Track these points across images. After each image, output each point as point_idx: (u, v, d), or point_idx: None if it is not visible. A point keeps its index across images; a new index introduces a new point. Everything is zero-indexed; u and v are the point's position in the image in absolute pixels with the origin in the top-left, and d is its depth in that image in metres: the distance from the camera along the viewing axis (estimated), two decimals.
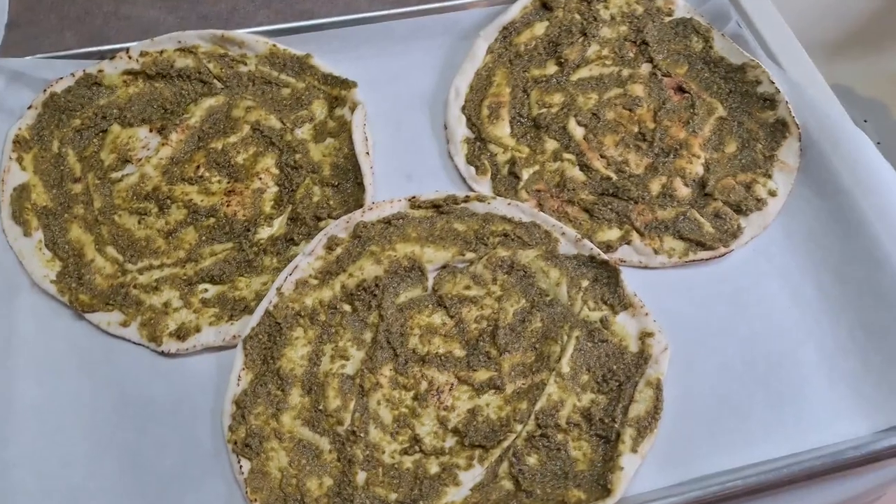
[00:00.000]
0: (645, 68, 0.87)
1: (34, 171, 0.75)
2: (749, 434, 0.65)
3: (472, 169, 0.79)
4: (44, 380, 0.64)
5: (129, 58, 0.81)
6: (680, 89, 0.85)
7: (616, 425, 0.63)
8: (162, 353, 0.67)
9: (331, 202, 0.76)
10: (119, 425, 0.63)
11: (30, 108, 0.78)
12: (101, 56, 0.82)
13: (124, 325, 0.68)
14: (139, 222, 0.74)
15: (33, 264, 0.70)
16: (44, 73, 0.80)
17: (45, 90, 0.79)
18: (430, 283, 0.71)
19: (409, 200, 0.74)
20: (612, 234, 0.76)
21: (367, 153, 0.78)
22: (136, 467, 0.61)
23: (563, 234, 0.73)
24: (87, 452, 0.61)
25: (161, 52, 0.82)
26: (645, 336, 0.67)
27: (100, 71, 0.81)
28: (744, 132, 0.81)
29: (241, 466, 0.61)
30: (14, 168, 0.74)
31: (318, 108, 0.82)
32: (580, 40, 0.88)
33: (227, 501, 0.60)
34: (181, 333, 0.67)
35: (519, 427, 0.63)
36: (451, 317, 0.69)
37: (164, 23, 0.91)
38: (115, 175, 0.76)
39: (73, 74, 0.80)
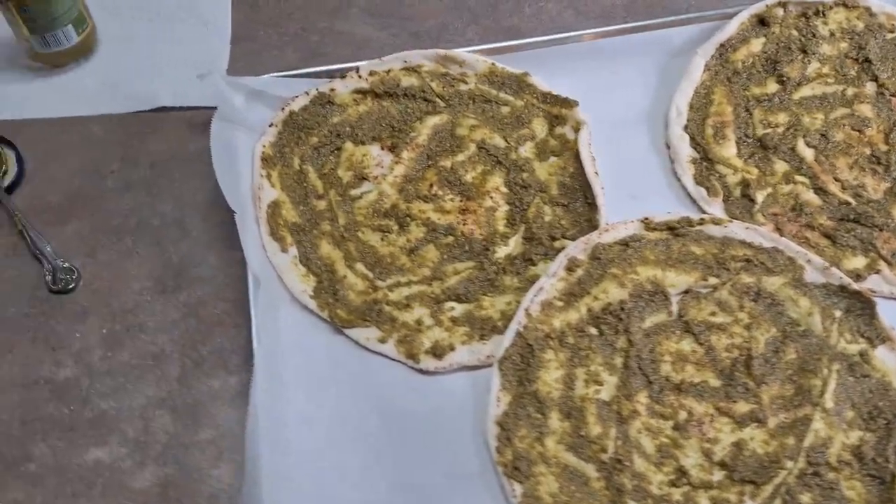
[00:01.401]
0: (870, 87, 0.85)
1: (281, 188, 0.78)
2: None
3: (703, 190, 0.78)
4: (311, 392, 0.67)
5: (359, 77, 0.84)
6: None
7: (890, 466, 0.62)
8: (420, 371, 0.69)
9: (562, 222, 0.77)
10: (384, 440, 0.65)
11: (271, 125, 0.81)
12: (330, 74, 0.84)
13: (382, 341, 0.70)
14: (382, 239, 0.76)
15: (291, 279, 0.72)
16: (279, 91, 0.83)
17: (283, 108, 0.82)
18: (674, 308, 0.71)
19: (643, 222, 0.74)
20: (859, 262, 0.74)
21: (597, 173, 0.78)
22: (405, 483, 0.63)
23: (809, 261, 0.72)
24: (357, 466, 0.64)
25: (388, 70, 0.84)
26: None
27: (332, 90, 0.83)
28: None
29: (513, 490, 0.62)
30: (265, 185, 0.77)
31: (539, 127, 0.83)
32: (800, 57, 0.86)
33: None
34: (437, 351, 0.69)
35: (789, 464, 0.63)
36: (701, 344, 0.69)
37: (377, 40, 0.93)
38: (354, 192, 0.79)
39: (307, 93, 0.83)
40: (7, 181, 0.80)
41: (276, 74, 0.84)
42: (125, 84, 0.88)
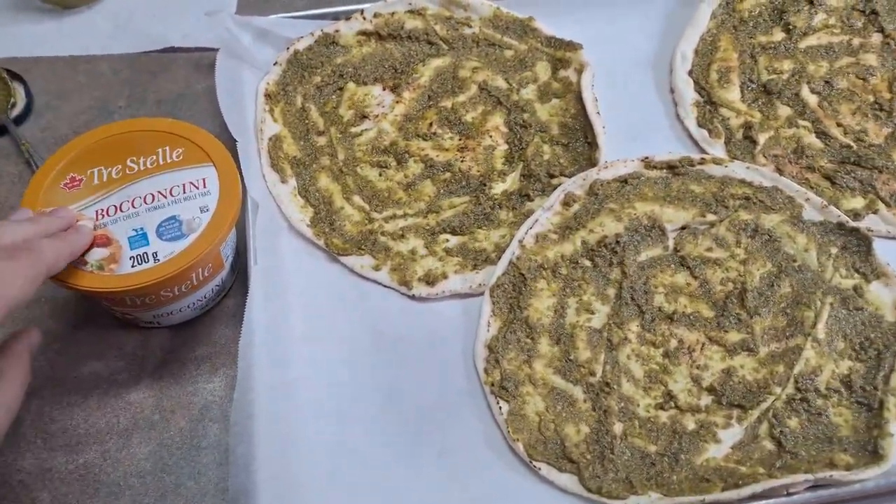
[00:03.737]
0: (876, 38, 0.84)
1: (283, 124, 0.78)
2: None
3: (705, 132, 0.78)
4: (307, 314, 0.68)
5: (364, 19, 0.84)
6: None
7: (878, 393, 0.61)
8: (412, 297, 0.69)
9: (561, 160, 0.77)
10: (376, 359, 0.66)
11: (275, 64, 0.82)
12: (336, 17, 0.85)
13: (376, 268, 0.70)
14: (380, 174, 0.77)
15: (290, 209, 0.73)
16: (285, 32, 0.84)
17: (288, 48, 0.83)
18: (670, 243, 0.71)
19: (643, 161, 0.74)
20: (857, 202, 0.73)
21: (598, 113, 0.78)
22: (395, 399, 0.64)
23: (808, 199, 0.71)
24: (350, 381, 0.64)
25: (392, 13, 0.85)
26: None
27: (336, 31, 0.84)
28: None
29: (500, 408, 0.62)
30: (268, 119, 0.78)
31: (542, 70, 0.83)
32: (806, 8, 0.86)
33: (486, 438, 0.62)
34: (429, 279, 0.69)
35: (778, 390, 0.62)
36: (696, 277, 0.69)
37: None
38: (354, 130, 0.79)
39: (312, 34, 0.84)
40: (15, 113, 0.82)
41: (282, 15, 0.85)
42: (135, 25, 0.90)
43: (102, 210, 0.62)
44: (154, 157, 0.65)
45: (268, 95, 0.79)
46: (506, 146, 0.78)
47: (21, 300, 0.48)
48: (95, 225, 0.61)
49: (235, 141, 0.73)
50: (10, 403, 0.49)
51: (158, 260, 0.60)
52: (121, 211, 0.62)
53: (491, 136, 0.79)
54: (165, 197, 0.63)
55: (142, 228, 0.61)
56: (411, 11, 0.85)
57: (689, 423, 0.62)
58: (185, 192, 0.63)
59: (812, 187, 0.74)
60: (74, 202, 0.62)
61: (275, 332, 0.65)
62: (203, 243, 0.61)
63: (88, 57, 0.87)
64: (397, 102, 0.81)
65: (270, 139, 0.77)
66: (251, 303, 0.64)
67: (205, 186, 0.63)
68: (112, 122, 0.81)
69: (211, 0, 0.92)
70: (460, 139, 0.79)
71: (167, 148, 0.65)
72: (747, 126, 0.78)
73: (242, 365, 0.61)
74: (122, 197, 0.63)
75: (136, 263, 0.59)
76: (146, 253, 0.60)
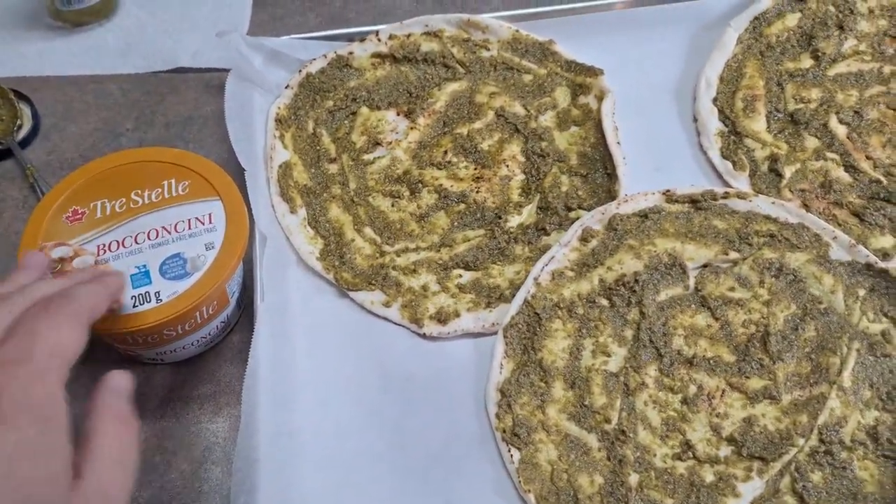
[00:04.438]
0: None
1: (294, 150, 0.77)
2: None
3: (729, 164, 0.75)
4: (314, 352, 0.66)
5: (379, 40, 0.82)
6: None
7: None
8: (423, 336, 0.67)
9: (580, 192, 0.74)
10: (384, 401, 0.64)
11: (287, 87, 0.80)
12: (350, 38, 0.83)
13: (386, 305, 0.68)
14: (392, 205, 0.75)
15: (299, 241, 0.71)
16: (297, 53, 0.82)
17: (300, 71, 0.81)
18: (691, 281, 0.68)
19: (664, 194, 0.72)
20: (887, 241, 0.70)
21: (618, 143, 0.75)
22: (402, 443, 0.62)
23: (835, 238, 0.68)
24: (357, 425, 0.63)
25: (408, 35, 0.83)
26: None
27: (350, 53, 0.82)
28: None
29: (511, 455, 0.60)
30: (278, 146, 0.76)
31: (561, 96, 0.81)
32: (836, 34, 0.83)
33: (496, 486, 0.60)
34: (441, 317, 0.67)
35: (801, 441, 0.60)
36: (717, 319, 0.66)
37: (400, 6, 0.91)
38: (366, 157, 0.77)
39: (325, 56, 0.82)
40: (21, 135, 0.81)
41: (295, 36, 0.83)
42: (145, 44, 0.88)
43: (104, 245, 0.60)
44: (159, 190, 0.63)
45: (278, 120, 0.78)
46: (522, 176, 0.76)
47: (77, 350, 0.41)
48: (97, 261, 0.59)
49: (244, 169, 0.71)
50: (122, 458, 0.40)
51: (161, 300, 0.58)
52: (123, 247, 0.60)
53: (507, 166, 0.76)
54: (170, 233, 0.61)
55: (144, 266, 0.59)
56: (428, 33, 0.83)
57: (708, 475, 0.59)
58: (190, 229, 0.61)
59: (839, 224, 0.71)
60: (76, 236, 0.60)
61: (280, 372, 0.63)
62: (207, 282, 0.59)
63: (97, 77, 0.86)
64: (411, 129, 0.79)
65: (280, 167, 0.75)
66: (256, 342, 0.62)
67: (211, 222, 0.61)
68: (119, 144, 0.80)
69: (223, 18, 0.90)
70: (476, 168, 0.76)
71: (173, 180, 0.64)
72: (773, 158, 0.75)
73: (246, 409, 0.59)
74: (126, 232, 0.61)
75: (137, 303, 0.58)
76: (148, 292, 0.58)
